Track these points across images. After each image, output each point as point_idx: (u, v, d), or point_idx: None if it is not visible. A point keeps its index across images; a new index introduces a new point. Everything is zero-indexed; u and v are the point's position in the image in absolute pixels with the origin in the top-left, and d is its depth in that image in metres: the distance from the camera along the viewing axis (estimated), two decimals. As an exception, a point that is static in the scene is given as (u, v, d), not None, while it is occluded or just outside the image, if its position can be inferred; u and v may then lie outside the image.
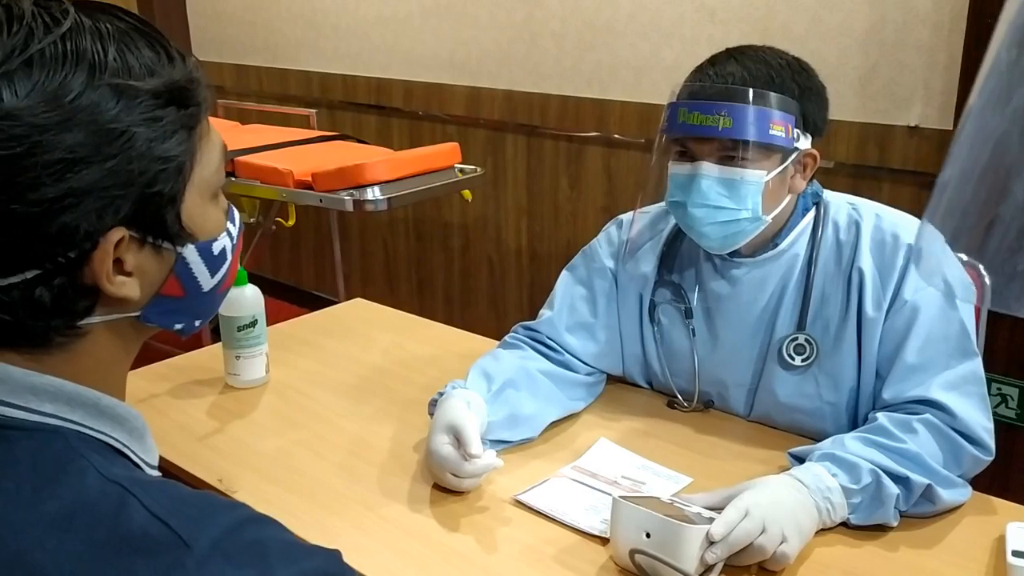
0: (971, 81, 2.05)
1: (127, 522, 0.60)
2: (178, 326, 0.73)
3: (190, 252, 0.70)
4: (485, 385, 1.36)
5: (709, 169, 1.28)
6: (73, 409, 0.66)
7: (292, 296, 4.03)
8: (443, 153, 2.72)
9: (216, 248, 0.72)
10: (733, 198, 1.28)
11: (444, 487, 1.25)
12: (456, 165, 2.77)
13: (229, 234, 0.74)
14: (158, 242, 0.67)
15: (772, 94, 1.25)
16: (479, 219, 3.29)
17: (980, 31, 2.05)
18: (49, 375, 0.66)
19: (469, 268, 3.39)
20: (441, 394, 1.34)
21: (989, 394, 2.21)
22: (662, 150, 1.36)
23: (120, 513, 0.60)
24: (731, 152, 1.27)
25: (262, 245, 3.23)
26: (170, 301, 0.70)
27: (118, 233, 0.63)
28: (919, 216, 1.36)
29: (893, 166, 2.31)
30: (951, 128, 2.18)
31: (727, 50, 1.32)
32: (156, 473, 0.73)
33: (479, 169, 2.83)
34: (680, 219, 1.35)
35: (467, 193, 2.79)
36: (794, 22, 2.42)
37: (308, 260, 4.01)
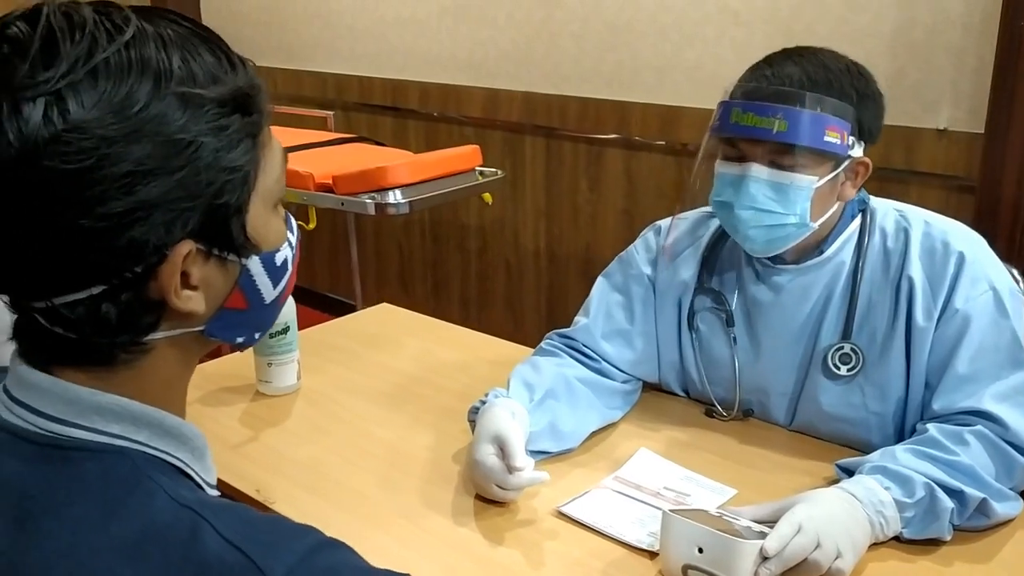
0: (1003, 84, 2.04)
1: (201, 549, 0.58)
2: (239, 339, 0.72)
3: (254, 264, 0.68)
4: (527, 395, 1.34)
5: (759, 171, 1.26)
6: (139, 429, 0.64)
7: (306, 298, 4.01)
8: (464, 155, 2.70)
9: (279, 259, 0.70)
10: (781, 202, 1.26)
11: (486, 498, 1.23)
12: (477, 168, 2.75)
13: (290, 244, 0.72)
14: (224, 254, 0.65)
15: (830, 99, 1.23)
16: (496, 221, 3.27)
17: (1013, 34, 2.03)
18: (114, 394, 0.64)
19: (486, 270, 3.37)
20: (483, 402, 1.32)
21: None
22: (710, 149, 1.33)
23: (194, 539, 0.58)
24: (783, 156, 1.25)
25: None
26: (233, 314, 0.68)
27: (186, 246, 0.62)
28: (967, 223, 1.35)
29: (921, 169, 2.28)
30: (980, 131, 2.15)
31: (784, 50, 1.30)
32: (215, 492, 0.71)
33: (499, 172, 2.81)
34: (725, 220, 1.33)
35: (487, 196, 2.77)
36: (820, 23, 2.39)
37: (322, 262, 3.99)
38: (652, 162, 2.83)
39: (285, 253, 0.71)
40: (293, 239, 0.73)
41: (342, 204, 2.49)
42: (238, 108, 0.64)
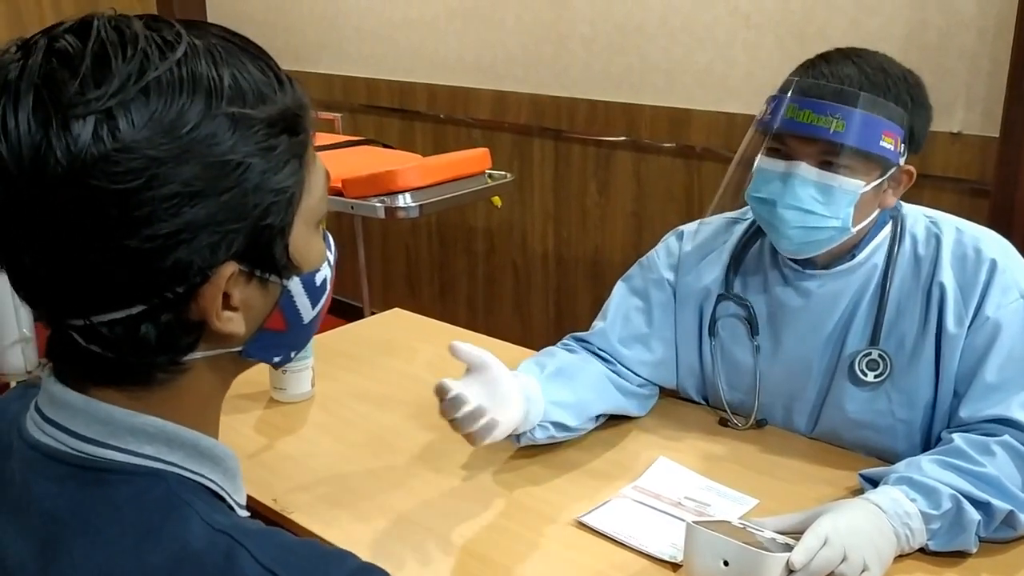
0: (1018, 87, 2.03)
1: (238, 574, 0.57)
2: (276, 359, 0.70)
3: (294, 284, 0.66)
4: (537, 370, 1.34)
5: (807, 171, 1.24)
6: (173, 450, 0.63)
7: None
8: (474, 159, 2.69)
9: (319, 279, 0.68)
10: (827, 205, 1.24)
11: (506, 509, 1.22)
12: (486, 171, 2.74)
13: (329, 263, 0.71)
14: (266, 275, 0.64)
15: (888, 103, 1.21)
16: (504, 224, 3.26)
17: (1028, 37, 2.01)
18: (150, 414, 0.63)
19: (493, 273, 3.36)
20: None
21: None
22: (755, 142, 1.31)
23: (230, 565, 0.57)
24: (833, 157, 1.23)
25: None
26: (272, 335, 0.67)
27: (230, 268, 0.60)
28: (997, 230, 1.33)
29: (934, 173, 2.27)
30: (995, 135, 2.14)
31: (840, 50, 1.28)
32: (245, 513, 0.70)
33: (509, 175, 2.80)
34: (764, 216, 1.30)
35: (497, 199, 2.76)
36: (832, 26, 2.38)
37: (328, 264, 3.97)
38: (661, 165, 2.82)
39: (325, 273, 0.69)
40: (332, 258, 0.72)
41: (352, 208, 2.48)
42: (286, 129, 0.62)
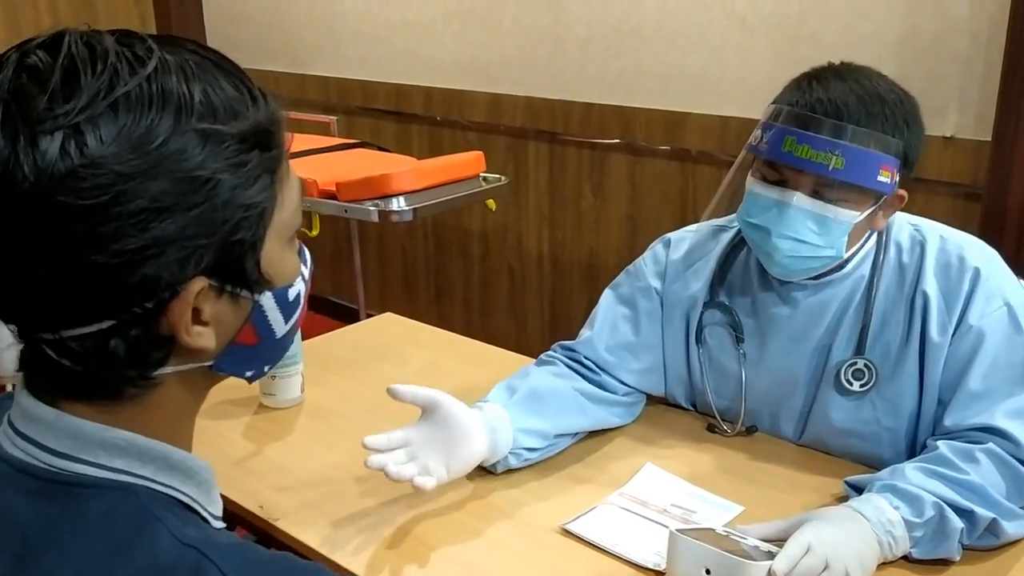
0: (1011, 91, 2.03)
1: None
2: (249, 373, 0.71)
3: (266, 299, 0.66)
4: (506, 396, 1.34)
5: (801, 201, 1.23)
6: (144, 464, 0.63)
7: (309, 304, 4.00)
8: (468, 162, 2.69)
9: (292, 294, 0.69)
10: (822, 235, 1.24)
11: (491, 515, 1.22)
12: (480, 174, 2.74)
13: (303, 277, 0.71)
14: (236, 291, 0.64)
15: (886, 137, 1.20)
16: (500, 227, 3.26)
17: (1020, 41, 2.02)
18: (120, 428, 0.63)
19: (489, 276, 3.36)
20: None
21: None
22: (746, 166, 1.31)
23: None
24: (830, 189, 1.22)
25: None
26: (244, 350, 0.67)
27: (199, 283, 0.60)
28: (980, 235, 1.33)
29: (927, 177, 2.27)
30: (988, 139, 2.14)
31: (832, 68, 1.26)
32: (221, 524, 0.70)
33: (503, 178, 2.80)
34: (756, 242, 1.30)
35: (491, 202, 2.76)
36: (825, 30, 2.38)
37: (325, 267, 3.98)
38: (656, 168, 2.82)
39: (298, 287, 0.70)
40: (307, 272, 0.72)
41: (345, 211, 2.48)
42: (258, 144, 0.62)
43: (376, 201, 2.45)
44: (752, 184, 1.28)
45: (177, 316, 0.60)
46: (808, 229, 1.24)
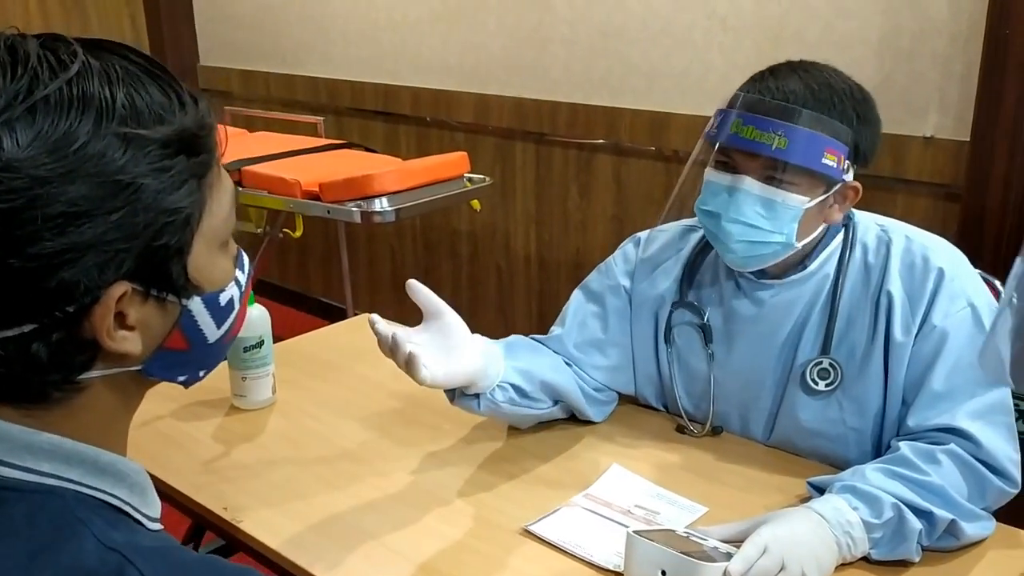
0: (989, 92, 2.03)
1: None
2: (181, 378, 0.71)
3: (196, 304, 0.67)
4: (493, 343, 1.35)
5: (751, 185, 1.24)
6: (72, 467, 0.64)
7: (300, 303, 4.01)
8: (452, 163, 2.69)
9: (223, 299, 0.69)
10: (770, 220, 1.25)
11: (454, 517, 1.23)
12: (465, 174, 2.74)
13: (237, 282, 0.71)
14: (162, 295, 0.64)
15: (832, 121, 1.21)
16: (488, 227, 3.26)
17: (998, 41, 2.01)
18: (48, 432, 0.63)
19: (478, 276, 3.36)
20: None
21: (1020, 411, 2.18)
22: (701, 155, 1.31)
23: None
24: (777, 172, 1.23)
25: (269, 253, 3.21)
26: (173, 354, 0.67)
27: (120, 288, 0.61)
28: (946, 236, 1.33)
29: (908, 177, 2.27)
30: (967, 139, 2.14)
31: (789, 63, 1.28)
32: (158, 526, 0.70)
33: (488, 179, 2.81)
34: (710, 229, 1.31)
35: (476, 203, 2.76)
36: (807, 30, 2.38)
37: (316, 267, 3.98)
38: (641, 168, 2.82)
39: (231, 293, 0.70)
40: (243, 277, 0.72)
41: (328, 212, 2.48)
42: (183, 149, 0.62)
43: (359, 202, 2.45)
44: (708, 173, 1.30)
45: (99, 320, 0.61)
46: (756, 213, 1.24)
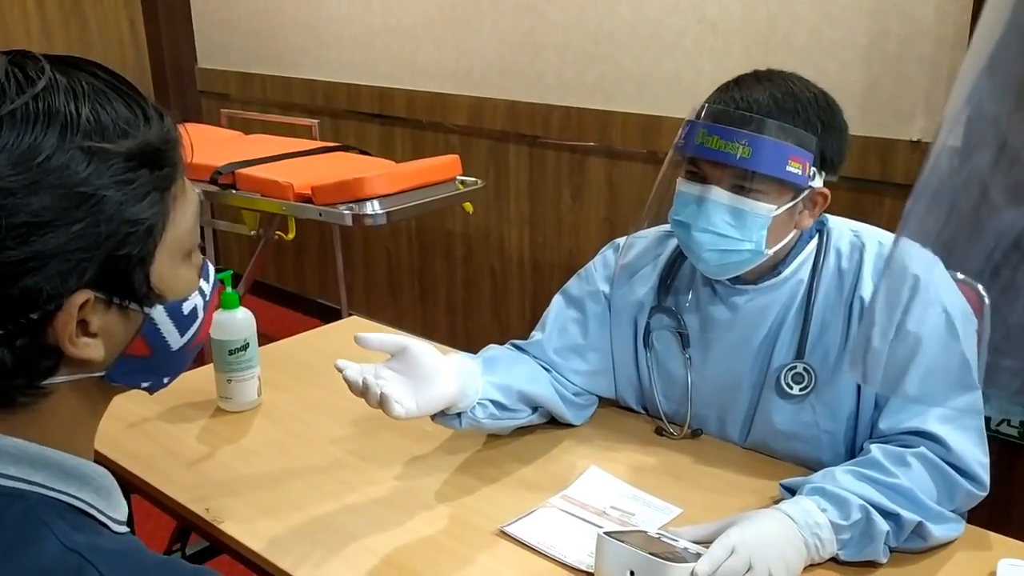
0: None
1: None
2: (144, 384, 0.73)
3: (158, 313, 0.69)
4: (475, 357, 1.37)
5: (719, 195, 1.26)
6: (37, 471, 0.66)
7: (297, 305, 4.04)
8: (444, 166, 2.71)
9: (187, 308, 0.71)
10: (739, 228, 1.26)
11: (431, 518, 1.24)
12: (457, 177, 2.76)
13: (201, 292, 0.73)
14: (125, 303, 0.66)
15: (795, 129, 1.23)
16: (482, 229, 3.29)
17: (983, 46, 2.03)
18: (13, 436, 0.65)
19: (472, 278, 3.38)
20: None
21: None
22: (673, 165, 1.34)
23: None
24: (744, 181, 1.25)
25: (265, 254, 3.23)
26: (136, 361, 0.69)
27: (83, 296, 0.63)
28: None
29: (896, 180, 2.28)
30: (954, 143, 2.15)
31: (755, 72, 1.30)
32: (124, 529, 0.72)
33: (480, 181, 2.83)
34: (681, 239, 1.33)
35: (468, 206, 2.78)
36: (795, 35, 2.40)
37: (312, 269, 4.01)
38: (633, 171, 2.84)
39: (194, 302, 0.72)
40: (207, 287, 0.74)
41: (320, 214, 2.50)
42: (147, 163, 0.64)
43: (350, 205, 2.47)
44: (679, 183, 1.32)
45: (61, 327, 0.63)
46: (725, 222, 1.26)
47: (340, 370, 1.21)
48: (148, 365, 0.71)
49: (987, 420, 2.16)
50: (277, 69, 3.85)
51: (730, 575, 1.05)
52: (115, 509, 0.72)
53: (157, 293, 0.68)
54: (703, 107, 1.28)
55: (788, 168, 1.23)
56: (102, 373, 0.69)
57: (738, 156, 1.22)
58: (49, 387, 0.66)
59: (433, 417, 1.29)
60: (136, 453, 1.42)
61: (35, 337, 0.63)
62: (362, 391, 1.19)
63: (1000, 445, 2.20)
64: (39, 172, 0.59)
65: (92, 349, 0.65)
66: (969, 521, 1.26)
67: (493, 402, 1.34)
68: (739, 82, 1.28)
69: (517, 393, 1.38)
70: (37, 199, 0.59)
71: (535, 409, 1.43)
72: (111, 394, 0.72)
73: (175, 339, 0.71)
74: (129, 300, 0.66)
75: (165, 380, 0.74)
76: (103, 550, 0.63)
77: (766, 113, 1.23)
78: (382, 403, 1.18)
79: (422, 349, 1.26)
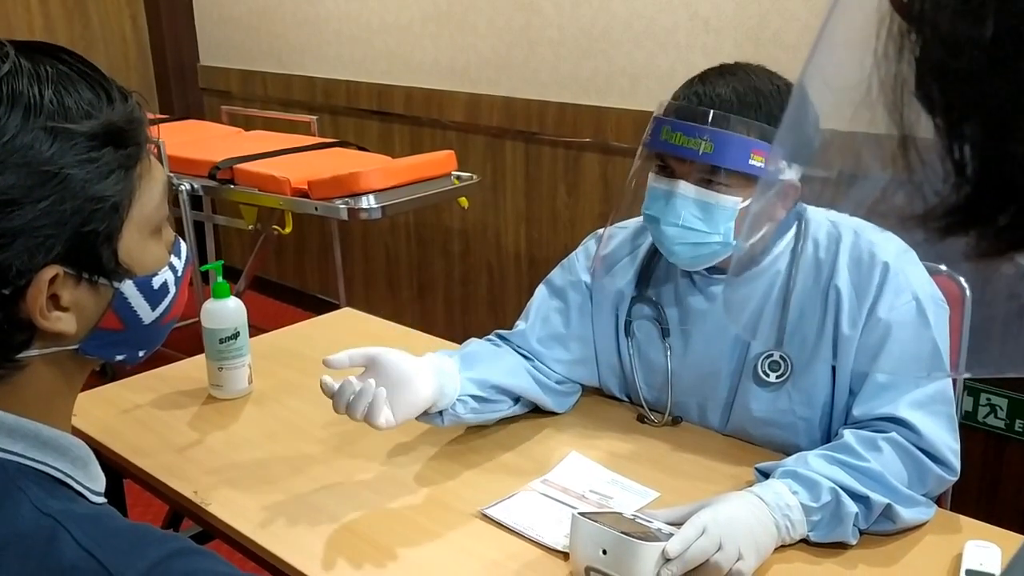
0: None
1: (57, 555, 0.62)
2: (119, 357, 0.76)
3: (128, 287, 0.72)
4: (452, 354, 1.40)
5: (686, 189, 1.29)
6: (15, 441, 0.68)
7: (297, 300, 4.07)
8: (439, 161, 2.74)
9: (156, 282, 0.74)
10: (706, 221, 1.29)
11: (409, 502, 1.27)
12: (453, 172, 2.79)
13: (172, 267, 0.76)
14: (94, 278, 0.69)
15: (756, 123, 1.25)
16: (479, 225, 3.31)
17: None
18: None
19: (469, 273, 3.41)
20: None
21: (978, 404, 2.22)
22: (644, 160, 1.36)
23: (50, 546, 0.62)
24: (710, 175, 1.27)
25: (266, 250, 3.27)
26: (109, 334, 0.72)
27: (51, 271, 0.66)
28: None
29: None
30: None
31: (720, 67, 1.32)
32: (101, 500, 0.75)
33: (475, 176, 2.85)
34: (653, 232, 1.36)
35: (463, 200, 2.81)
36: (786, 31, 2.42)
37: (312, 264, 4.04)
38: (627, 167, 2.83)
39: (164, 277, 0.75)
40: (179, 263, 0.77)
41: (316, 209, 2.54)
42: (110, 141, 0.68)
43: (346, 199, 2.50)
44: (650, 178, 1.35)
45: (32, 302, 0.66)
46: (692, 216, 1.29)
47: (324, 387, 1.26)
48: (121, 338, 0.74)
49: (974, 413, 2.20)
50: (277, 66, 3.89)
51: (700, 554, 1.07)
52: (92, 480, 0.75)
53: (126, 268, 0.71)
54: (667, 103, 1.30)
55: (751, 162, 1.25)
56: (76, 346, 0.71)
57: (700, 151, 1.24)
58: (24, 360, 0.69)
59: (416, 417, 1.32)
60: (128, 439, 1.45)
61: (7, 312, 0.66)
62: (346, 412, 1.24)
63: (987, 436, 2.23)
64: (3, 152, 0.62)
65: (64, 323, 0.68)
66: (954, 510, 1.29)
67: (473, 396, 1.37)
68: (703, 77, 1.31)
69: (496, 387, 1.41)
70: (3, 178, 0.62)
71: (516, 400, 1.46)
72: (87, 367, 0.75)
73: (146, 313, 0.74)
74: (98, 275, 0.69)
75: (140, 353, 0.77)
76: (76, 515, 0.66)
77: (728, 108, 1.24)
78: (367, 418, 1.23)
79: (394, 356, 1.29)
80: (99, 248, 0.68)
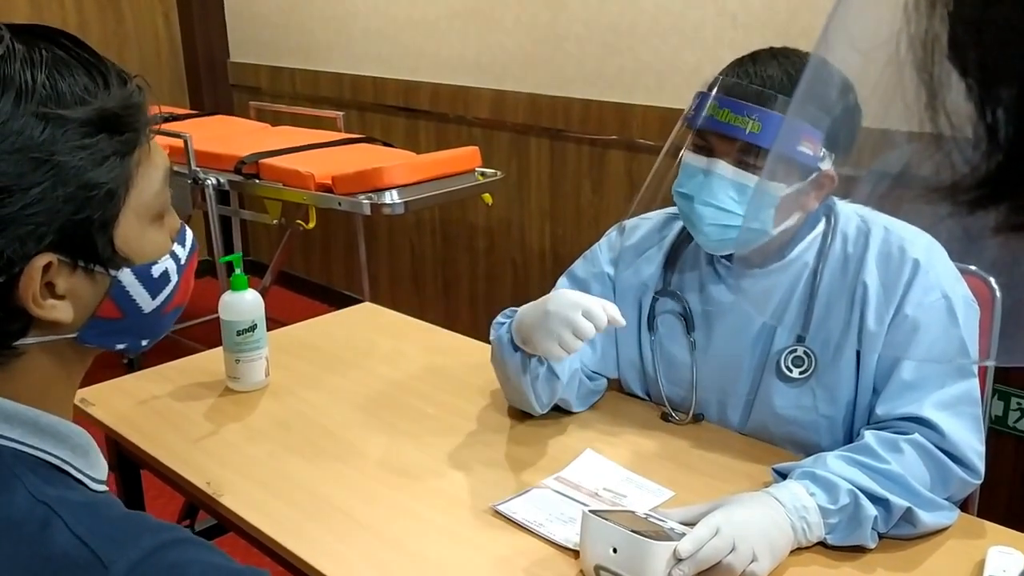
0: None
1: (49, 543, 0.61)
2: (120, 346, 0.75)
3: (126, 275, 0.70)
4: None
5: (724, 169, 1.26)
6: (12, 427, 0.68)
7: (323, 295, 4.08)
8: (462, 157, 2.73)
9: (156, 271, 0.73)
10: (743, 203, 1.26)
11: (428, 498, 1.26)
12: (477, 169, 2.78)
13: (175, 256, 0.75)
14: (90, 266, 0.68)
15: (810, 107, 1.22)
16: (503, 221, 3.30)
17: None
18: None
19: (494, 270, 3.40)
20: (503, 321, 1.47)
21: (1009, 408, 2.17)
22: (680, 139, 1.33)
23: (44, 534, 0.62)
24: (752, 157, 1.24)
25: (291, 245, 3.27)
26: (108, 323, 0.72)
27: (44, 259, 0.65)
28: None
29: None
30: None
31: (771, 49, 1.29)
32: (102, 488, 0.74)
33: (499, 173, 2.84)
34: (684, 211, 1.33)
35: (487, 197, 2.80)
36: (815, 27, 2.36)
37: (338, 260, 4.05)
38: (652, 164, 2.83)
39: (165, 265, 0.73)
40: (182, 251, 0.76)
41: (339, 204, 2.53)
42: (105, 128, 0.66)
43: (369, 194, 2.49)
44: (685, 155, 1.31)
45: (25, 290, 0.65)
46: (729, 197, 1.26)
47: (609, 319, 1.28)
48: (120, 327, 0.73)
49: (1004, 417, 2.15)
50: (306, 63, 3.90)
51: (713, 555, 1.05)
52: (93, 468, 0.74)
53: (123, 256, 0.70)
54: (716, 79, 1.27)
55: (799, 148, 1.20)
56: (74, 335, 0.71)
57: (748, 130, 1.20)
58: (21, 348, 0.68)
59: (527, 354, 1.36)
60: (145, 429, 1.45)
61: (2, 299, 0.65)
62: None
63: (1017, 441, 2.18)
64: None
65: (59, 311, 0.67)
66: (980, 516, 1.26)
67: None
68: (754, 57, 1.26)
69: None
70: None
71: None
72: (87, 356, 0.75)
73: (146, 302, 0.73)
74: (94, 263, 0.68)
75: (143, 343, 0.76)
76: (71, 502, 0.65)
77: (779, 90, 1.21)
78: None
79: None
80: (94, 236, 0.67)
